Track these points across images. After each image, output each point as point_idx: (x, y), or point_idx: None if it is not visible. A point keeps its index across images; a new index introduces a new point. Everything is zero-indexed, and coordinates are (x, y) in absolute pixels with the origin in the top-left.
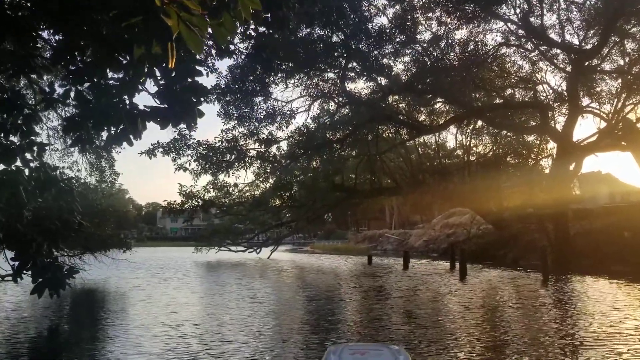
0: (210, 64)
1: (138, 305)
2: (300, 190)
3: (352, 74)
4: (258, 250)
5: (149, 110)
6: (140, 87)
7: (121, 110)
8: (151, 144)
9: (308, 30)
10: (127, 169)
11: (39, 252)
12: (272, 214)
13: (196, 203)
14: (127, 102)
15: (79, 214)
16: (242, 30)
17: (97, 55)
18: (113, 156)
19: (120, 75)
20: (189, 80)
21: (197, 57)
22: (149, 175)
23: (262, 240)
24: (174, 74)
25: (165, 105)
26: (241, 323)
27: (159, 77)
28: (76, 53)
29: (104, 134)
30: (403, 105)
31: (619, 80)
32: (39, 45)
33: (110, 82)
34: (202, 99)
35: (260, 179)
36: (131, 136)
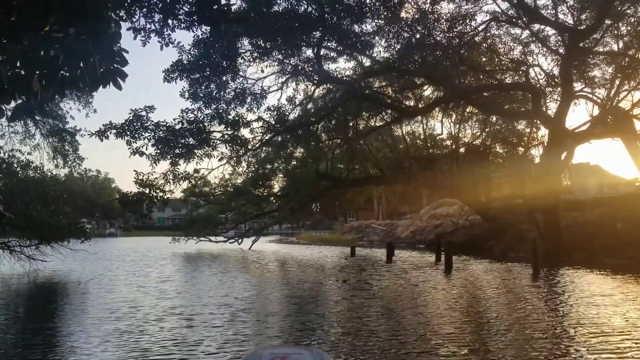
0: (166, 35)
1: (80, 313)
2: (283, 179)
3: (332, 53)
4: (240, 241)
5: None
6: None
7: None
8: (102, 125)
9: (285, 4)
10: (115, 157)
11: None
12: (253, 204)
13: (154, 193)
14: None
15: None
16: None
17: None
18: (77, 140)
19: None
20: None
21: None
22: (137, 164)
23: (244, 231)
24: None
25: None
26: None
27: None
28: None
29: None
30: (390, 90)
31: (613, 66)
32: None
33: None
34: (117, 57)
35: (232, 163)
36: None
